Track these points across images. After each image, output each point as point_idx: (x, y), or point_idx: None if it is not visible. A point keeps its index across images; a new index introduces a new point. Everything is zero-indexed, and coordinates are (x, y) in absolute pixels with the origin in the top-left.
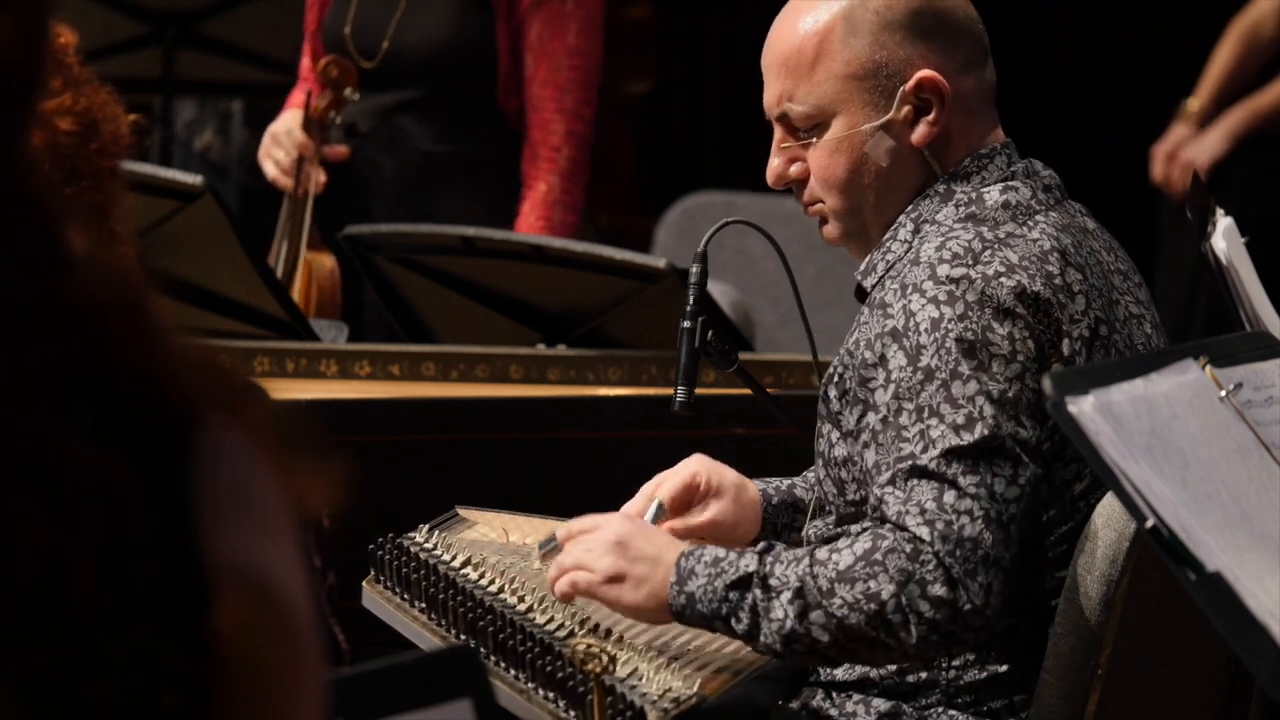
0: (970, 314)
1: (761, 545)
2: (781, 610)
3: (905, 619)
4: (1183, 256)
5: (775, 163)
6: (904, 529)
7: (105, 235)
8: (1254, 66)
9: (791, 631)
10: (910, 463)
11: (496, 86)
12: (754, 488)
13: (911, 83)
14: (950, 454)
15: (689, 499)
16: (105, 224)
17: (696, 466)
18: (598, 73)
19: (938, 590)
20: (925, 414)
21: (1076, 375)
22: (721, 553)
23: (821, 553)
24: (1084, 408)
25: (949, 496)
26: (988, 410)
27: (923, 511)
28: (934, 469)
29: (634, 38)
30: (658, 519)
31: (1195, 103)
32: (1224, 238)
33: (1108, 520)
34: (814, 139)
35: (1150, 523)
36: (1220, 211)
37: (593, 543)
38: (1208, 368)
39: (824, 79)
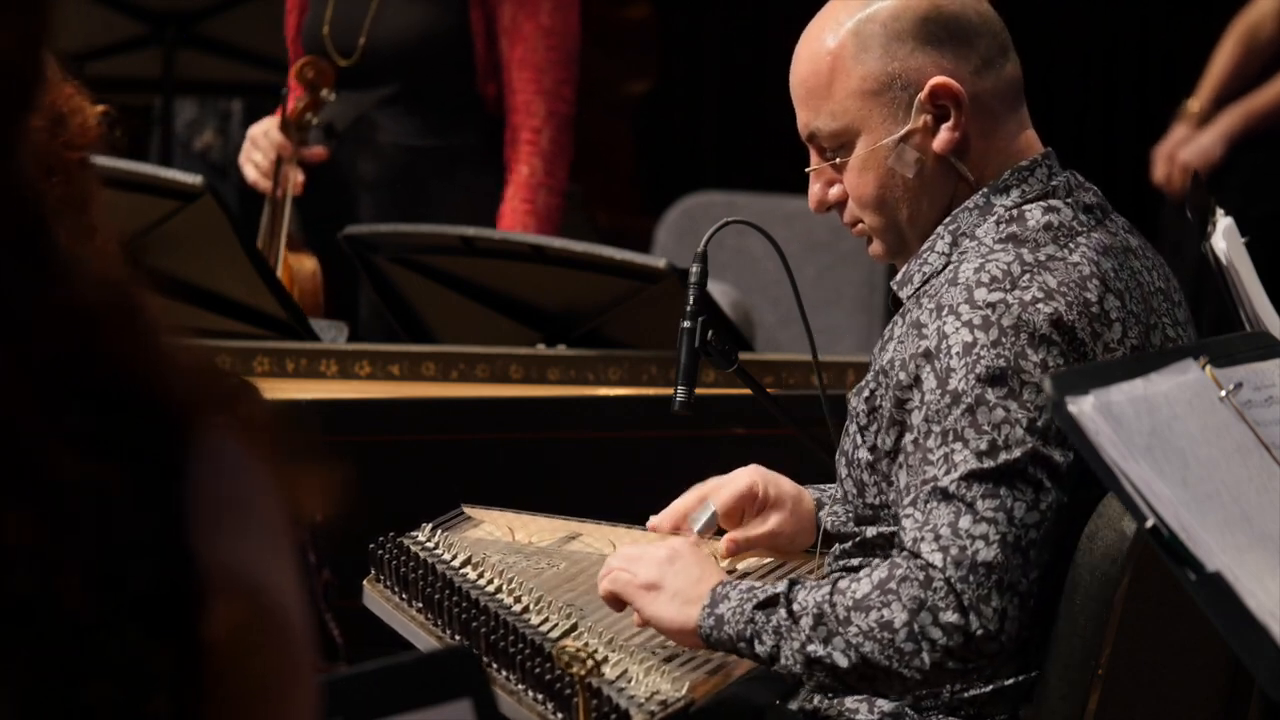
0: (1004, 340)
1: (792, 576)
2: (804, 634)
3: (918, 646)
4: (1184, 257)
5: (814, 188)
6: (918, 556)
7: (82, 230)
8: (1254, 67)
9: (813, 655)
10: (932, 485)
11: (474, 74)
12: (809, 496)
13: (925, 91)
14: (970, 477)
15: (747, 510)
16: (81, 218)
17: (754, 477)
18: (576, 53)
19: (949, 617)
20: (950, 438)
21: (1076, 375)
22: (756, 584)
23: (844, 581)
24: (1084, 408)
25: (965, 521)
26: (1014, 437)
27: (937, 537)
28: (954, 491)
29: (634, 38)
30: (707, 525)
31: (1195, 103)
32: (1224, 238)
33: (1108, 520)
34: (844, 159)
35: (1150, 523)
36: (1220, 211)
37: (646, 551)
38: (1208, 368)
39: (842, 98)
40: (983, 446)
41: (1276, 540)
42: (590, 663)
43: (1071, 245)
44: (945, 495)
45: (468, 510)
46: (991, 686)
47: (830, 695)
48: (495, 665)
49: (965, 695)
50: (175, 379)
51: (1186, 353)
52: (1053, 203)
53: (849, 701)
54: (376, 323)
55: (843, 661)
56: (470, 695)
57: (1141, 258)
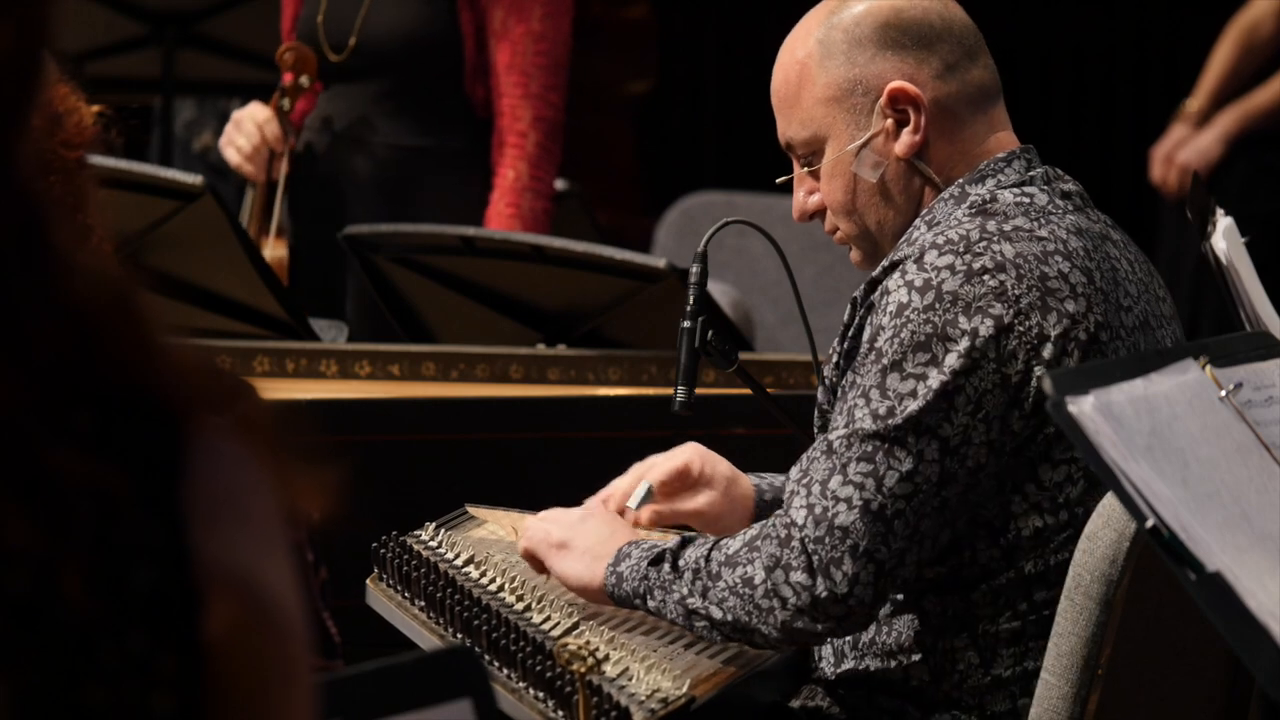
0: (938, 305)
1: (689, 534)
2: (685, 588)
3: (772, 604)
4: (1183, 257)
5: (796, 197)
6: (785, 513)
7: (78, 230)
8: (1252, 66)
9: (691, 607)
10: (828, 437)
11: (464, 76)
12: (747, 482)
13: (884, 95)
14: (854, 436)
15: (679, 485)
16: (77, 218)
17: (691, 454)
18: (566, 58)
19: (798, 576)
20: (859, 393)
21: (1076, 375)
22: (658, 542)
23: (725, 538)
24: (1084, 408)
25: (835, 481)
26: (911, 406)
27: (809, 493)
28: (837, 448)
29: (634, 38)
30: (644, 502)
31: (1194, 103)
32: (1224, 238)
33: (1108, 520)
34: (818, 166)
35: (1150, 523)
36: (1220, 211)
37: (563, 513)
38: (1208, 368)
39: (809, 106)
40: (880, 410)
41: (1276, 540)
42: (591, 660)
43: (1043, 221)
44: (829, 449)
45: (471, 509)
46: (990, 677)
47: (832, 694)
48: (497, 663)
49: (965, 685)
50: (173, 379)
51: (1186, 353)
52: (1028, 189)
53: (850, 699)
54: (366, 323)
55: (717, 614)
56: (470, 695)
57: (1121, 249)
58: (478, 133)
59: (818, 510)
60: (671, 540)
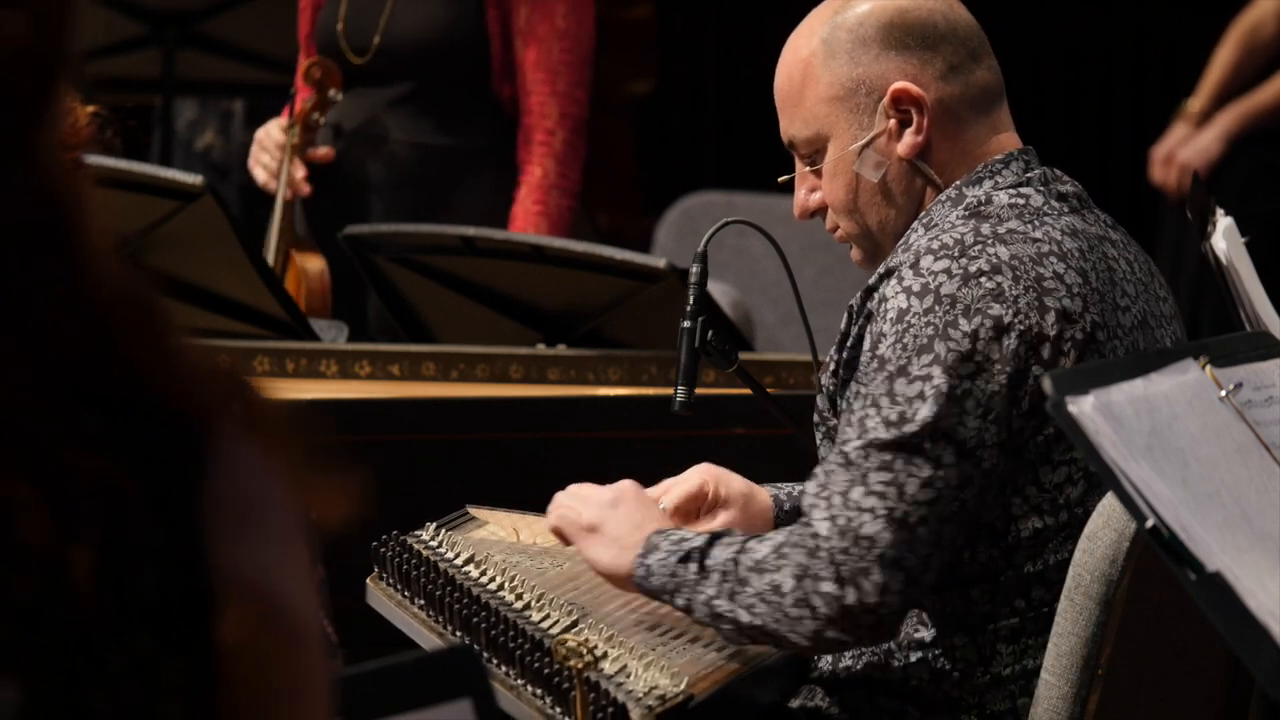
0: (937, 309)
1: (718, 531)
2: (713, 589)
3: (802, 613)
4: (1184, 257)
5: (798, 195)
6: (809, 524)
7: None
8: (1254, 67)
9: (717, 609)
10: (842, 449)
11: (490, 75)
12: (764, 495)
13: (887, 96)
14: (871, 446)
15: (695, 508)
16: None
17: (705, 476)
18: (591, 55)
19: (827, 587)
20: (868, 402)
21: (1076, 375)
22: (687, 535)
23: (753, 541)
24: (1084, 408)
25: (856, 492)
26: (923, 411)
27: (829, 504)
28: (853, 458)
29: (634, 38)
30: None
31: (1195, 103)
32: (1224, 238)
33: (1108, 520)
34: (820, 165)
35: (1150, 523)
36: (1220, 211)
37: (594, 492)
38: (1208, 368)
39: (812, 105)
40: (892, 417)
41: (1276, 540)
42: (589, 657)
43: (1038, 222)
44: (846, 461)
45: (472, 510)
46: (989, 676)
47: (833, 694)
48: (495, 661)
49: (965, 684)
50: (192, 381)
51: (1186, 353)
52: (1024, 190)
53: (851, 699)
54: (386, 323)
55: (744, 618)
56: (470, 695)
57: (1120, 249)
58: (502, 131)
59: (841, 521)
60: (700, 536)
